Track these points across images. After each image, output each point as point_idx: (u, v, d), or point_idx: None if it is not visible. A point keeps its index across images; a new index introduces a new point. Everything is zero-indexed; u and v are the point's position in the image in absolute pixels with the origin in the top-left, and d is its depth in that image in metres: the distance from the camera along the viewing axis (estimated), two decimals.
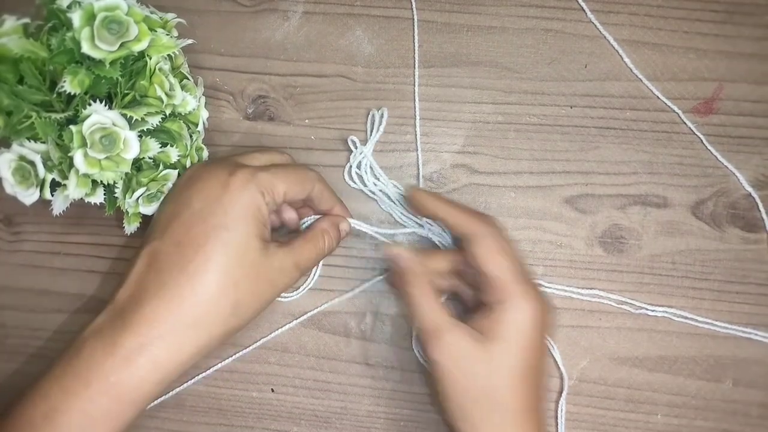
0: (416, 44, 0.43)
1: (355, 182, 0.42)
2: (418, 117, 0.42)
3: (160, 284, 0.32)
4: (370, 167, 0.42)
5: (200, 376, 0.42)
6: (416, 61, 0.43)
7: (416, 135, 0.42)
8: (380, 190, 0.42)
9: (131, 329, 0.31)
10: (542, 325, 0.34)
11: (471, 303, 0.38)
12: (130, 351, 0.31)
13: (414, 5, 0.43)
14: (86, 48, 0.32)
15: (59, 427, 0.31)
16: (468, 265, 0.36)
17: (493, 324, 0.33)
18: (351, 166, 0.42)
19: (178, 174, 0.38)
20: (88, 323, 0.33)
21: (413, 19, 0.43)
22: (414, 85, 0.43)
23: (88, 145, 0.32)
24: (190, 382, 0.42)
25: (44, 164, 0.34)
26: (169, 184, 0.37)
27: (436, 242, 0.41)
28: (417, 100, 0.42)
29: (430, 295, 0.35)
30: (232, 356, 0.42)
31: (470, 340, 0.33)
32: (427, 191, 0.40)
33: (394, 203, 0.42)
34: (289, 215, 0.39)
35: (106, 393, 0.31)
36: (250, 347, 0.42)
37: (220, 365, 0.42)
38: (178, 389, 0.42)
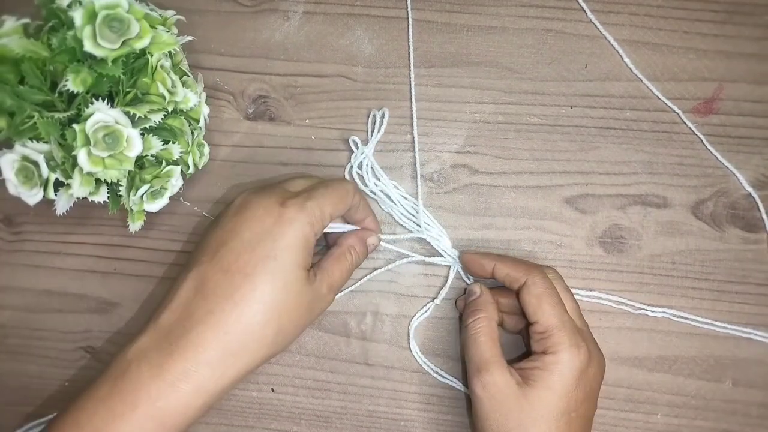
0: (411, 44, 0.43)
1: (356, 182, 0.42)
2: (415, 117, 0.42)
3: (206, 311, 0.32)
4: (371, 167, 0.42)
5: None
6: (411, 61, 0.43)
7: (413, 135, 0.42)
8: (381, 191, 0.42)
9: (178, 354, 0.31)
10: (588, 377, 0.35)
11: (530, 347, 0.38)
12: (176, 376, 0.31)
13: (409, 5, 0.43)
14: (89, 46, 0.32)
15: None
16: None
17: (537, 371, 0.34)
18: (352, 167, 0.42)
19: (181, 171, 0.38)
20: (131, 341, 0.33)
21: (408, 19, 0.43)
22: (410, 85, 0.43)
23: (92, 144, 0.32)
24: None
25: (47, 164, 0.34)
26: (173, 181, 0.37)
27: (434, 245, 0.41)
28: (414, 100, 0.42)
29: (490, 333, 0.36)
30: None
31: (513, 384, 0.34)
32: (476, 252, 0.40)
33: (395, 203, 0.42)
34: None
35: (153, 417, 0.31)
36: None
37: None
38: None
